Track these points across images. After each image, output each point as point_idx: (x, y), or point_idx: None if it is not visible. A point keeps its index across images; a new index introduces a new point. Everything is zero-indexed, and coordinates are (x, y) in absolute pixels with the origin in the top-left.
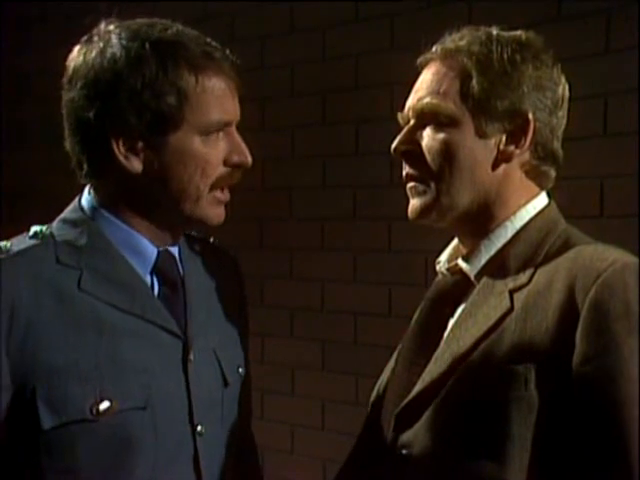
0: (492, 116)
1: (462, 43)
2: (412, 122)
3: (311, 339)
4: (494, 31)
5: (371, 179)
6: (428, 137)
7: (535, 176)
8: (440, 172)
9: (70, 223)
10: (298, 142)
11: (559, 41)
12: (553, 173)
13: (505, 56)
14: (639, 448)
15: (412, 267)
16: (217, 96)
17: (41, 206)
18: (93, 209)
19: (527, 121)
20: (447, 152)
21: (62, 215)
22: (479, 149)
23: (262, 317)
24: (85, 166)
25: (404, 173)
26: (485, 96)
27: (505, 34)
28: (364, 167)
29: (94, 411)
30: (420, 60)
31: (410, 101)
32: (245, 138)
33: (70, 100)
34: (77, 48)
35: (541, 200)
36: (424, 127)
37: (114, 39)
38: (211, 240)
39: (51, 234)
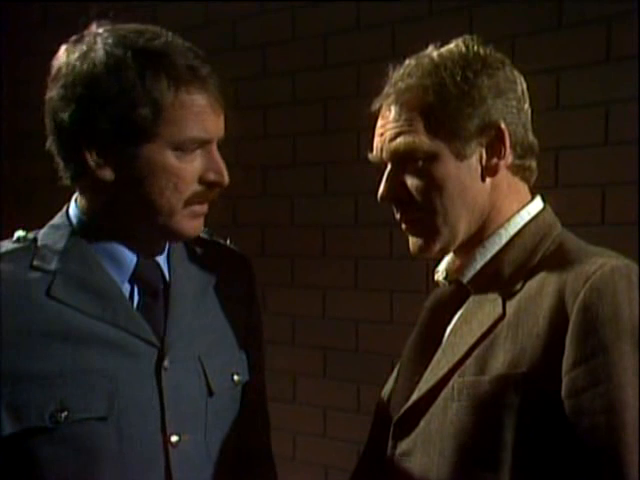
0: (466, 137)
1: (413, 81)
2: (389, 166)
3: (313, 346)
4: (435, 54)
5: (372, 186)
6: (412, 179)
7: (519, 173)
8: (434, 208)
9: (53, 228)
10: (299, 149)
11: (560, 49)
12: (534, 164)
13: (458, 78)
14: (634, 453)
15: (413, 274)
16: (195, 112)
17: (42, 215)
18: (74, 215)
19: (501, 131)
20: (435, 187)
21: (50, 221)
22: (464, 172)
23: (264, 324)
24: (62, 171)
25: (397, 217)
26: (454, 123)
27: (446, 53)
28: (365, 174)
29: (53, 419)
30: (375, 105)
31: (378, 143)
32: (247, 145)
33: (50, 99)
34: (64, 47)
35: (536, 205)
36: (404, 168)
37: (99, 43)
38: (220, 241)
39: (35, 239)
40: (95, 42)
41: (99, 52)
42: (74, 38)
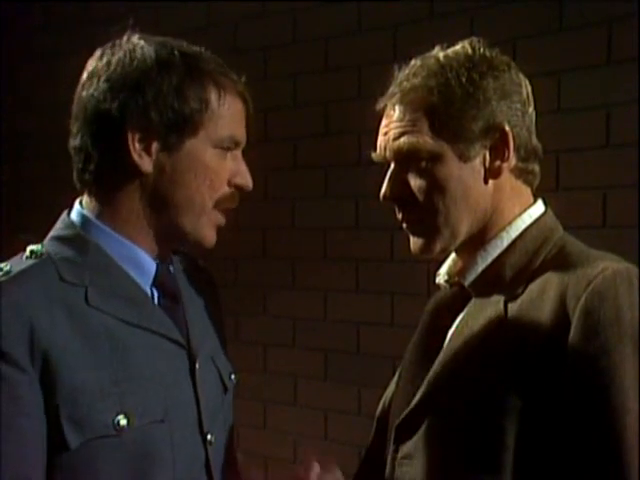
0: (470, 139)
1: (418, 80)
2: (393, 165)
3: (314, 349)
4: (441, 55)
5: (373, 189)
6: (415, 178)
7: (522, 176)
8: (436, 208)
9: (65, 240)
10: (300, 152)
11: (561, 52)
12: (537, 168)
13: (463, 79)
14: (635, 456)
15: (414, 276)
16: (233, 114)
17: (42, 219)
18: (86, 223)
19: (505, 133)
20: (438, 188)
21: (53, 233)
22: (467, 174)
23: (265, 327)
24: (92, 166)
25: (399, 217)
26: (458, 124)
27: (452, 54)
28: (366, 177)
29: (118, 427)
30: (380, 105)
31: (382, 142)
32: (248, 149)
33: (90, 95)
34: (98, 52)
35: (537, 208)
36: (407, 167)
37: (142, 43)
38: (183, 250)
39: (47, 253)
40: (137, 44)
41: (147, 50)
42: (108, 45)
